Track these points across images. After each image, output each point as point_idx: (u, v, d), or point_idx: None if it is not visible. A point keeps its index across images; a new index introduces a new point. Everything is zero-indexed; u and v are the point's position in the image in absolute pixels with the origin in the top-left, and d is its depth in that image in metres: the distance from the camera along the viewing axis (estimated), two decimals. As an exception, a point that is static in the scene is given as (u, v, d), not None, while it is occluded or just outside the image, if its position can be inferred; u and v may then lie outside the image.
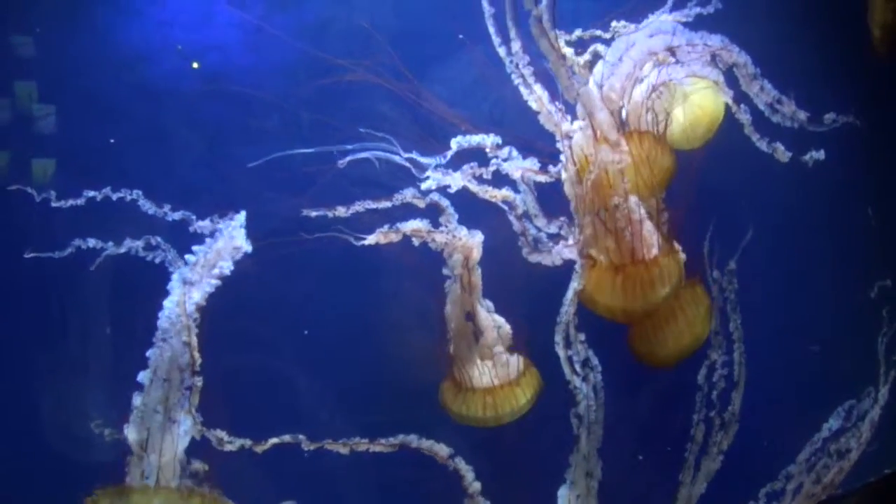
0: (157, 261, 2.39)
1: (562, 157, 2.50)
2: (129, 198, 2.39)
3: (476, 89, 2.64)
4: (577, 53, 2.51)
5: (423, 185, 2.44)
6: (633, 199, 2.42)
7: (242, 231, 2.38)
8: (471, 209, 2.50)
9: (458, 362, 2.57)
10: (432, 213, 2.46)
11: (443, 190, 2.46)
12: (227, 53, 2.58)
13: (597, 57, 2.53)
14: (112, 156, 2.53)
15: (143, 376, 2.29)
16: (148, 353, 2.30)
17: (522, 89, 2.45)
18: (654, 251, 2.44)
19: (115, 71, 2.51)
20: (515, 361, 2.58)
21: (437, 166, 2.45)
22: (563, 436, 2.61)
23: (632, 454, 2.89)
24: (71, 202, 2.38)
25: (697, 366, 2.82)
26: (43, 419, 2.57)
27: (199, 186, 2.54)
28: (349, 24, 2.60)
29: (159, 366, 2.30)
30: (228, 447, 2.41)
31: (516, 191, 2.53)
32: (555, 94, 2.45)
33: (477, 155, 2.48)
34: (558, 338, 2.53)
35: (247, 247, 2.38)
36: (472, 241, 2.49)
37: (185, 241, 2.38)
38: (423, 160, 2.46)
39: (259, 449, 2.45)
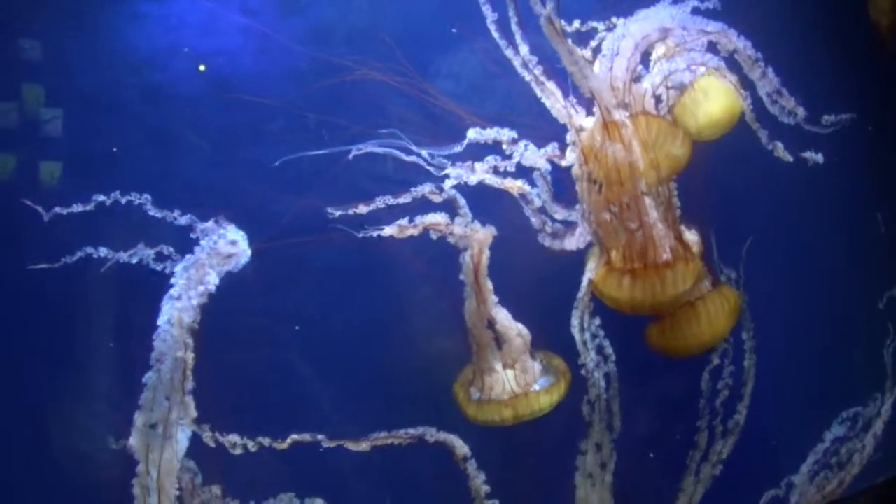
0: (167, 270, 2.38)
1: (571, 151, 2.51)
2: (137, 201, 2.38)
3: (485, 84, 2.65)
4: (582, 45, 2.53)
5: (446, 183, 2.47)
6: (647, 199, 2.40)
7: (241, 233, 2.37)
8: (481, 202, 2.52)
9: (479, 371, 2.58)
10: (447, 208, 2.49)
11: (458, 185, 2.48)
12: (234, 57, 2.57)
13: (597, 52, 2.52)
14: (119, 159, 2.52)
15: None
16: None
17: (534, 86, 2.47)
18: (666, 256, 2.43)
19: (122, 74, 2.50)
20: (538, 368, 2.59)
21: (453, 162, 2.48)
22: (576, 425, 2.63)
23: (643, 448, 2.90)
24: (77, 207, 2.37)
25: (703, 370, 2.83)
26: (45, 435, 2.55)
27: (207, 189, 2.53)
28: (353, 27, 2.60)
29: (164, 360, 2.28)
30: (239, 450, 2.42)
31: (532, 184, 2.56)
32: (565, 88, 2.46)
33: (489, 149, 2.50)
34: (575, 321, 2.56)
35: (246, 249, 2.36)
36: (485, 233, 2.50)
37: (191, 245, 2.36)
38: (440, 154, 2.49)
39: (278, 447, 2.47)
